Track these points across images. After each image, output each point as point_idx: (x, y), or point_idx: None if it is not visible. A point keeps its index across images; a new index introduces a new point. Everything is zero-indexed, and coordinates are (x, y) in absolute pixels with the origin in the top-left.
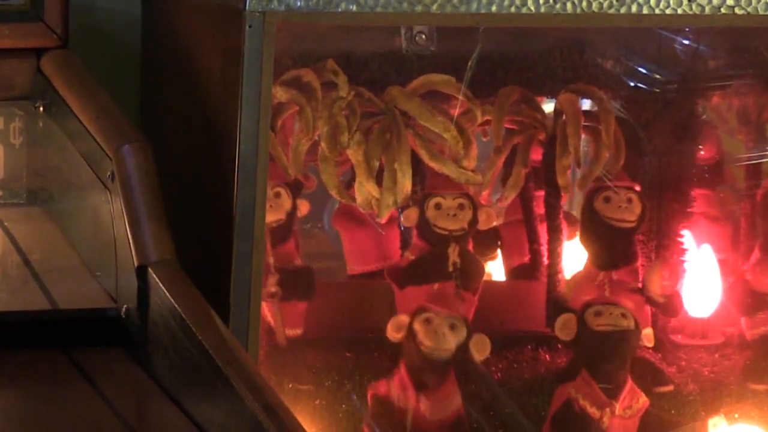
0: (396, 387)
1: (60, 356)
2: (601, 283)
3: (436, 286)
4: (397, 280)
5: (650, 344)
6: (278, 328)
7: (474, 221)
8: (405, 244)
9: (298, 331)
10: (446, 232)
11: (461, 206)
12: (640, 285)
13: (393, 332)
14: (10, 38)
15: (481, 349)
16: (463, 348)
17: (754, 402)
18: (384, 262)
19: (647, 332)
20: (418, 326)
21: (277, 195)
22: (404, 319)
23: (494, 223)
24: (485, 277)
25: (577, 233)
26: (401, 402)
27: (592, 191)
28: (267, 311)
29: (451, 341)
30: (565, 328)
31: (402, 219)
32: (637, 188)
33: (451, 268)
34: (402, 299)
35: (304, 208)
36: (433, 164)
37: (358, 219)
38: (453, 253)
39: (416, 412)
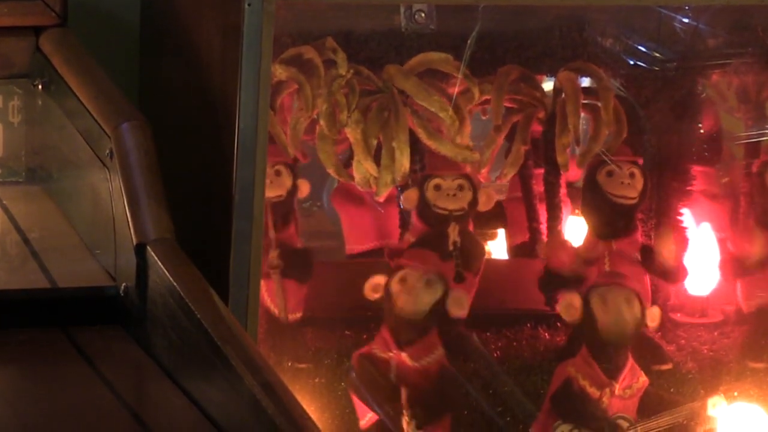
0: (379, 345)
1: (59, 335)
2: (601, 254)
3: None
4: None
5: (654, 324)
6: (280, 302)
7: (474, 202)
8: (405, 226)
9: (298, 315)
10: (446, 212)
11: (461, 187)
12: (639, 256)
13: (370, 292)
14: (9, 16)
15: (458, 306)
16: (440, 305)
17: (753, 380)
18: (382, 240)
19: (653, 312)
20: (394, 286)
21: (278, 173)
22: (380, 279)
23: (494, 204)
24: (486, 256)
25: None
26: (384, 355)
27: (595, 164)
28: (267, 289)
29: (426, 299)
30: (569, 308)
31: (402, 201)
32: (640, 162)
33: (451, 247)
34: None
35: (304, 188)
36: (430, 143)
37: (356, 197)
38: (453, 233)
39: (399, 362)
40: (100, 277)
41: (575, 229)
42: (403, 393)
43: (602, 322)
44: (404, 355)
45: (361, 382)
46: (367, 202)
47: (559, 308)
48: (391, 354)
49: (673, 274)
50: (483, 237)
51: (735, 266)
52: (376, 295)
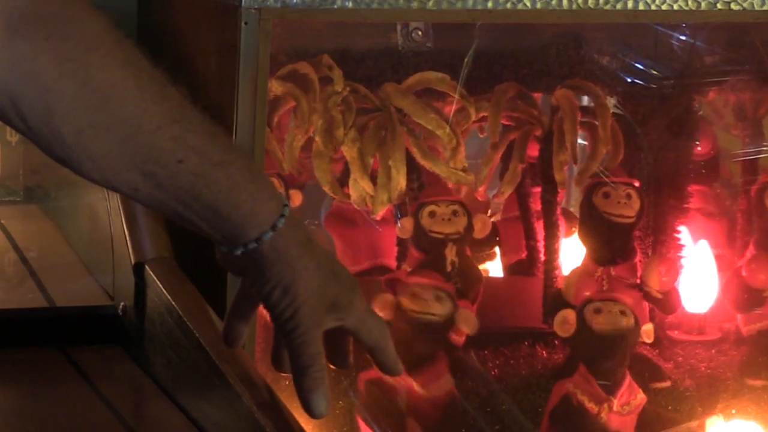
0: None
1: (57, 354)
2: (600, 279)
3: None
4: (396, 292)
5: (650, 340)
6: None
7: (469, 228)
8: (402, 245)
9: None
10: (442, 236)
11: (455, 213)
12: (638, 281)
13: (378, 310)
14: None
15: (468, 324)
16: (450, 319)
17: (751, 398)
18: (377, 259)
19: (647, 328)
20: (404, 300)
21: None
22: (389, 297)
23: (489, 231)
24: (482, 282)
25: (575, 229)
26: (393, 383)
27: (591, 186)
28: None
29: (438, 310)
30: (564, 324)
31: (398, 231)
32: (636, 184)
33: (449, 268)
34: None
35: (296, 198)
36: (424, 163)
37: (349, 220)
38: (450, 253)
39: (408, 389)
40: (98, 296)
41: (569, 248)
42: (415, 424)
43: (598, 328)
44: (413, 383)
45: (368, 408)
46: (360, 224)
47: (555, 324)
48: (400, 383)
49: (665, 305)
50: (479, 259)
51: (748, 297)
52: (383, 314)
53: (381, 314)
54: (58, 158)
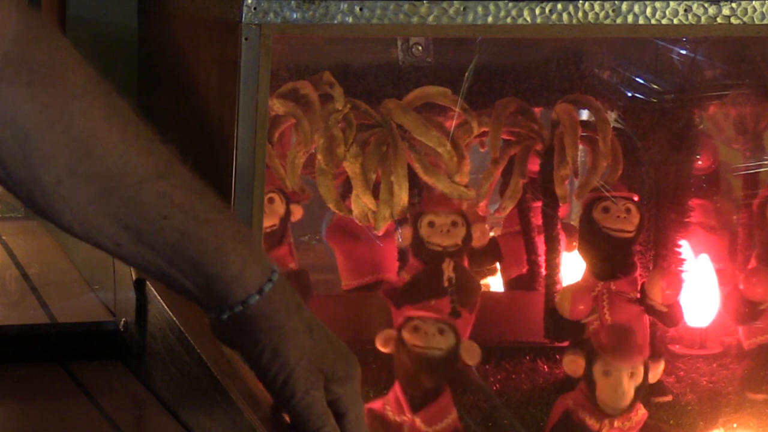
0: (391, 405)
1: (58, 370)
2: (600, 294)
3: (432, 302)
4: (394, 300)
5: (654, 380)
6: None
7: (468, 238)
8: (404, 259)
9: None
10: (440, 248)
11: (454, 223)
12: (638, 295)
13: (381, 346)
14: None
15: (472, 355)
16: (454, 353)
17: (752, 412)
18: (378, 274)
19: (657, 369)
20: (406, 335)
21: (271, 200)
22: (391, 332)
23: (488, 240)
24: (483, 289)
25: (576, 243)
26: (397, 418)
27: (591, 201)
28: None
29: (441, 343)
30: (574, 367)
31: (398, 239)
32: (636, 198)
33: (446, 284)
34: (399, 318)
35: (297, 213)
36: (427, 179)
37: (351, 234)
38: (448, 269)
39: (412, 427)
40: (100, 312)
41: (569, 263)
42: None
43: (600, 393)
44: (418, 421)
45: None
46: (362, 238)
47: (564, 364)
48: (404, 418)
49: (668, 318)
50: (481, 273)
51: (747, 310)
52: (387, 349)
53: (385, 349)
54: (39, 210)
